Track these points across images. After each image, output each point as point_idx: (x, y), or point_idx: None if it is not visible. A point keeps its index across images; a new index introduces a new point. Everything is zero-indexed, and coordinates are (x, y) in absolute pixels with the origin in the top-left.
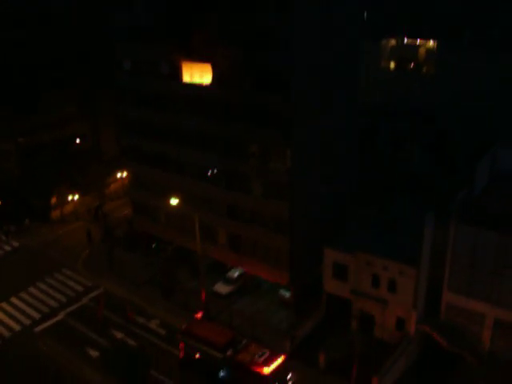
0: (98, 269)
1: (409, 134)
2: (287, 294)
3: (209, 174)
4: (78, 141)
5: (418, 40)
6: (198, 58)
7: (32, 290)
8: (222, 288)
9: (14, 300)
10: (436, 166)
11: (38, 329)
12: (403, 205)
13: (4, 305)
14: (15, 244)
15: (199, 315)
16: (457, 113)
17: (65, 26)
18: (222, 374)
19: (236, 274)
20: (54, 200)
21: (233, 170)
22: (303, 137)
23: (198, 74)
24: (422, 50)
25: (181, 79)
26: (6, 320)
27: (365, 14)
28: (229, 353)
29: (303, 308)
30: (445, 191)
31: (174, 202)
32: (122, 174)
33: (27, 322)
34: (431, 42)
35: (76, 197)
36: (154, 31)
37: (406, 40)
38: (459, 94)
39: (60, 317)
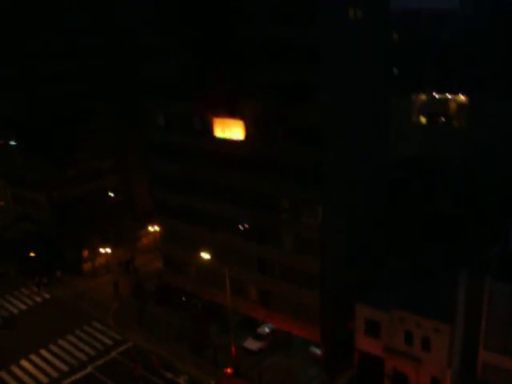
0: (127, 322)
1: (440, 186)
2: (318, 351)
3: (240, 228)
4: (110, 194)
5: (448, 94)
6: (230, 114)
7: (61, 342)
8: (252, 344)
9: (43, 352)
10: (468, 218)
11: (66, 382)
12: (434, 256)
13: (33, 357)
14: (46, 295)
15: (229, 371)
16: (489, 165)
17: (99, 80)
18: None
19: (266, 330)
20: (86, 252)
21: (264, 224)
22: (335, 193)
23: (229, 129)
24: (452, 104)
25: (213, 134)
26: (35, 372)
27: (394, 70)
28: None
29: (335, 365)
30: (477, 244)
31: (205, 256)
32: (153, 228)
33: (55, 374)
34: (461, 96)
35: (108, 250)
36: (185, 87)
37: (436, 95)
38: (491, 146)
39: (88, 370)
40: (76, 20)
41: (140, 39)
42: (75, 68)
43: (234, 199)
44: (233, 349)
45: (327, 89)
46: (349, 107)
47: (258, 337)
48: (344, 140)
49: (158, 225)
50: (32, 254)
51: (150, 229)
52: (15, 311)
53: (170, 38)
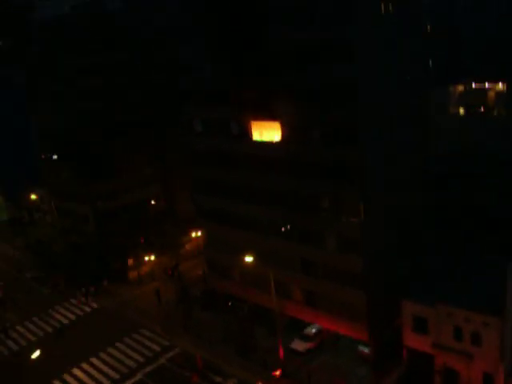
0: (174, 328)
1: (484, 179)
2: (367, 350)
3: (282, 229)
4: (153, 202)
5: (487, 84)
6: (267, 116)
7: (111, 350)
8: (299, 345)
9: (93, 360)
10: None
11: None
12: (481, 248)
13: (85, 365)
14: (94, 305)
15: (277, 373)
16: None
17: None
18: None
19: (313, 331)
20: (131, 261)
21: (305, 224)
22: (375, 191)
23: (267, 132)
24: (491, 93)
25: (250, 137)
26: (87, 380)
27: (430, 62)
28: None
29: (383, 364)
30: None
31: (248, 259)
32: (196, 234)
33: (107, 382)
34: (500, 85)
35: (152, 257)
36: (223, 93)
37: (474, 84)
38: None
39: (138, 377)
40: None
41: (179, 58)
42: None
43: (274, 201)
44: (281, 350)
45: (365, 87)
46: (387, 103)
47: (305, 337)
48: (383, 136)
49: (201, 230)
50: (79, 266)
51: (193, 235)
52: (65, 321)
53: (206, 51)
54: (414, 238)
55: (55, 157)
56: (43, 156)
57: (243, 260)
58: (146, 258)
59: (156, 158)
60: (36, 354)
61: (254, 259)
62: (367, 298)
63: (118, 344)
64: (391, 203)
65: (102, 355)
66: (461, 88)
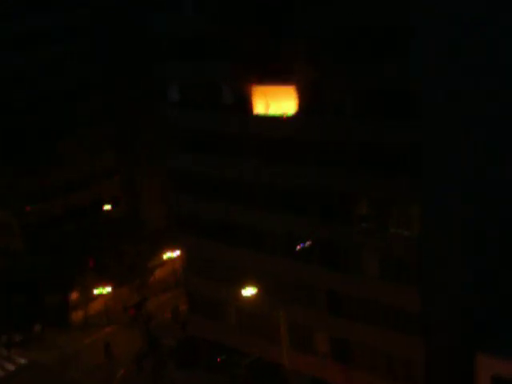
0: None
1: None
2: None
3: (298, 247)
4: (107, 207)
5: None
6: (276, 78)
7: None
8: None
9: None
10: None
11: None
12: None
13: None
14: (21, 361)
15: None
16: None
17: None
18: None
19: None
20: (75, 295)
21: (334, 240)
22: (444, 191)
23: (275, 103)
24: None
25: (251, 111)
26: None
27: None
28: None
29: None
30: None
31: (248, 292)
32: (172, 254)
33: None
34: None
35: (107, 289)
36: (211, 40)
37: None
38: None
39: None
40: None
41: None
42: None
43: (288, 205)
44: None
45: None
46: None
47: None
48: (461, 113)
49: (180, 249)
50: None
51: (167, 256)
52: None
53: None
54: (503, 267)
55: None
56: None
57: (241, 293)
58: (98, 291)
59: (116, 141)
60: None
61: (258, 292)
62: (427, 350)
63: None
64: (472, 213)
65: None
66: None
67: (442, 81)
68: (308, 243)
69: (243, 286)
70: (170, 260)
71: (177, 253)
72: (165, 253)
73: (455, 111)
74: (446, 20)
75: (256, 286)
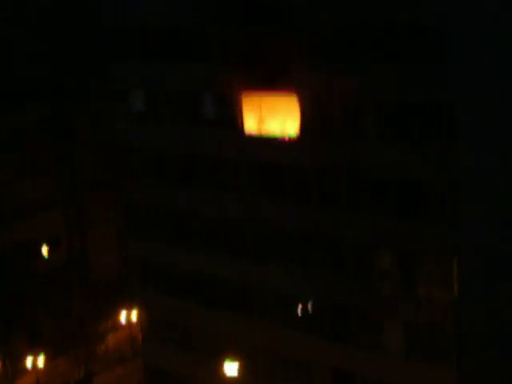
0: None
1: None
2: None
3: (297, 310)
4: (44, 250)
5: None
6: (274, 84)
7: None
8: None
9: None
10: None
11: None
12: None
13: None
14: None
15: None
16: None
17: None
18: None
19: None
20: None
21: (342, 303)
22: (491, 235)
23: (271, 118)
24: None
25: (238, 127)
26: None
27: None
28: None
29: None
30: None
31: (229, 369)
32: (128, 315)
33: None
34: None
35: (41, 360)
36: (190, 33)
37: None
38: None
39: None
40: None
41: None
42: None
43: (286, 254)
44: None
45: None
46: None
47: None
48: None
49: (138, 309)
50: None
51: (122, 317)
52: None
53: None
54: None
55: None
56: None
57: (220, 370)
58: (30, 362)
59: (57, 164)
60: None
61: (241, 369)
62: None
63: None
64: None
65: None
66: None
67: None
68: (311, 306)
69: (223, 360)
70: (128, 323)
71: (134, 314)
72: (120, 313)
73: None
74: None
75: (239, 361)
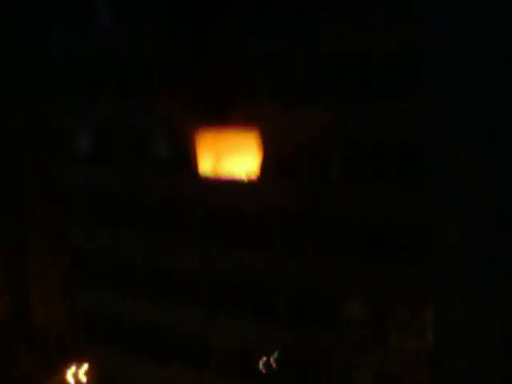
0: None
1: None
2: None
3: (260, 365)
4: None
5: None
6: (228, 119)
7: None
8: None
9: None
10: None
11: None
12: None
13: None
14: None
15: None
16: None
17: None
18: None
19: None
20: None
21: (313, 354)
22: (473, 274)
23: (228, 157)
24: None
25: (192, 168)
26: None
27: None
28: None
29: None
30: None
31: None
32: (75, 372)
33: None
34: None
35: None
36: (140, 63)
37: None
38: None
39: None
40: None
41: None
42: None
43: (245, 305)
44: None
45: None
46: None
47: None
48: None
49: (88, 366)
50: None
51: (70, 375)
52: None
53: None
54: None
55: None
56: None
57: None
58: None
59: None
60: None
61: None
62: None
63: None
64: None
65: None
66: None
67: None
68: (274, 359)
69: None
70: (76, 380)
71: (83, 370)
72: (67, 370)
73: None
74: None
75: None
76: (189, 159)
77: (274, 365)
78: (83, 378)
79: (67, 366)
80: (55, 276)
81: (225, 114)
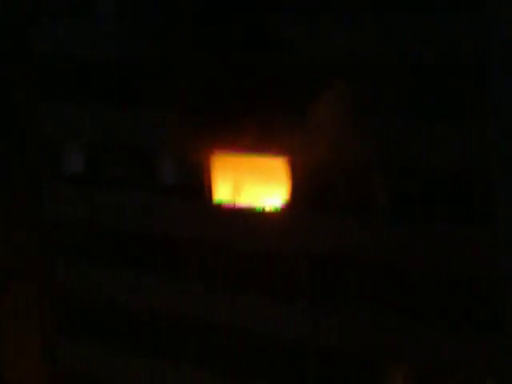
0: None
1: None
2: None
3: None
4: None
5: None
6: (254, 142)
7: None
8: None
9: None
10: None
11: None
12: None
13: None
14: None
15: None
16: None
17: None
18: None
19: None
20: None
21: None
22: None
23: (251, 186)
24: None
25: (207, 198)
26: None
27: None
28: None
29: None
30: None
31: None
32: None
33: None
34: None
35: None
36: (148, 72)
37: None
38: None
39: None
40: None
41: None
42: None
43: (264, 369)
44: None
45: None
46: None
47: None
48: None
49: None
50: None
51: None
52: None
53: None
54: None
55: None
56: None
57: None
58: None
59: None
60: None
61: None
62: None
63: None
64: None
65: None
66: None
67: None
68: None
69: None
70: None
71: None
72: None
73: None
74: None
75: None
76: (204, 188)
77: None
78: None
79: None
80: (34, 325)
81: (249, 135)
